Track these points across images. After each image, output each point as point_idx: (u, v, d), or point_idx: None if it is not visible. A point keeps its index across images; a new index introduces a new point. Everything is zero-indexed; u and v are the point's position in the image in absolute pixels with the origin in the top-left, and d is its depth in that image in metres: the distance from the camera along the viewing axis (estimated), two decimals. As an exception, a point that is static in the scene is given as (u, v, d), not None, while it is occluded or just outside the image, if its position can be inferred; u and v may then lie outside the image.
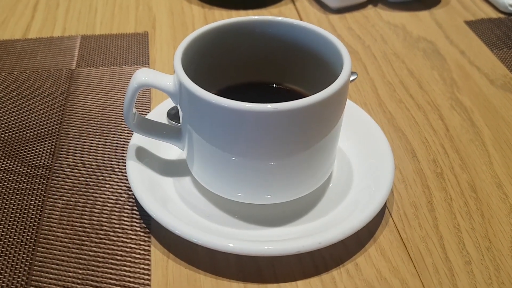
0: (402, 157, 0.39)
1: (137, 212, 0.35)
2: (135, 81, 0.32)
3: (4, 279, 0.31)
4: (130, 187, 0.36)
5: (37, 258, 0.32)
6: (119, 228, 0.34)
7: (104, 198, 0.36)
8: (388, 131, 0.42)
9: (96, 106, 0.45)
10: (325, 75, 0.34)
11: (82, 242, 0.33)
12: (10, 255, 0.33)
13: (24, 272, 0.32)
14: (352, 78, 0.43)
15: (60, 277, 0.31)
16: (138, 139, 0.37)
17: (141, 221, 0.35)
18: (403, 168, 0.39)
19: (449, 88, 0.47)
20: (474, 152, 0.40)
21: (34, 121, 0.43)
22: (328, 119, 0.31)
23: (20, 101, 0.45)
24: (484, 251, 0.33)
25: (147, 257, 0.32)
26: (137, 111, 0.35)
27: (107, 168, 0.39)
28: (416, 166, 0.39)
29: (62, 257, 0.32)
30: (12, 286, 0.31)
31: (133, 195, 0.36)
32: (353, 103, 0.41)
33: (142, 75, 0.32)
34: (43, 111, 0.44)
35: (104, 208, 0.36)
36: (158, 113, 0.40)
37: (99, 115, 0.44)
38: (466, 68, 0.50)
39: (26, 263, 0.32)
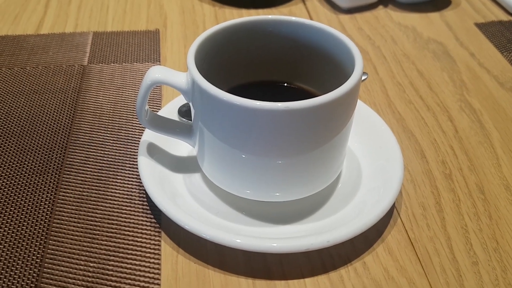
0: (411, 158, 0.40)
1: (148, 207, 0.36)
2: (149, 78, 0.33)
3: (16, 271, 0.32)
4: (141, 183, 0.36)
5: (48, 251, 0.33)
6: (130, 222, 0.35)
7: (115, 192, 0.37)
8: (397, 131, 0.42)
9: (108, 102, 0.45)
10: (336, 75, 0.34)
11: (93, 235, 0.34)
12: (22, 248, 0.33)
13: (35, 265, 0.32)
14: (362, 78, 0.43)
15: (71, 269, 0.32)
16: (149, 135, 0.38)
17: (152, 216, 0.35)
18: (412, 168, 0.39)
19: (458, 90, 0.47)
20: (482, 154, 0.40)
21: (46, 116, 0.43)
22: (339, 119, 0.31)
23: (32, 96, 0.46)
24: (491, 252, 0.33)
25: (157, 251, 0.33)
26: (149, 107, 0.36)
27: (119, 163, 0.39)
28: (425, 167, 0.39)
29: (74, 250, 0.33)
30: (24, 278, 0.31)
31: (144, 190, 0.36)
32: (363, 103, 0.41)
33: (155, 73, 0.33)
34: (55, 106, 0.45)
35: (115, 202, 0.36)
36: (169, 110, 0.40)
37: (111, 111, 0.44)
38: (475, 70, 0.50)
39: (38, 255, 0.33)
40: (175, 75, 0.33)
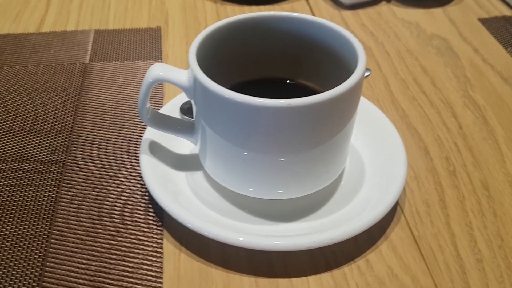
0: (414, 155, 0.39)
1: (150, 205, 0.35)
2: (150, 75, 0.32)
3: (18, 270, 0.32)
4: (143, 181, 0.36)
5: (50, 249, 0.33)
6: (132, 220, 0.34)
7: (118, 191, 0.37)
8: (401, 128, 0.42)
9: (110, 100, 0.45)
10: (339, 71, 0.34)
11: (96, 234, 0.34)
12: (24, 247, 0.33)
13: (38, 263, 0.32)
14: (365, 74, 0.43)
15: (73, 268, 0.32)
16: (151, 133, 0.37)
17: (154, 214, 0.35)
18: (415, 165, 0.38)
19: (462, 86, 0.47)
20: (487, 150, 0.40)
21: (48, 114, 0.43)
22: (342, 116, 0.31)
23: (34, 95, 0.46)
24: (496, 249, 0.33)
25: (159, 249, 0.33)
26: (150, 105, 0.35)
27: (121, 162, 0.39)
28: (428, 163, 0.39)
29: (76, 249, 0.33)
30: (26, 277, 0.31)
31: (146, 188, 0.36)
32: (366, 99, 0.41)
33: (157, 70, 0.33)
34: (57, 105, 0.44)
35: (117, 201, 0.36)
36: (171, 108, 0.40)
37: (113, 109, 0.44)
38: (479, 65, 0.49)
39: (40, 254, 0.33)
40: (176, 73, 0.33)
